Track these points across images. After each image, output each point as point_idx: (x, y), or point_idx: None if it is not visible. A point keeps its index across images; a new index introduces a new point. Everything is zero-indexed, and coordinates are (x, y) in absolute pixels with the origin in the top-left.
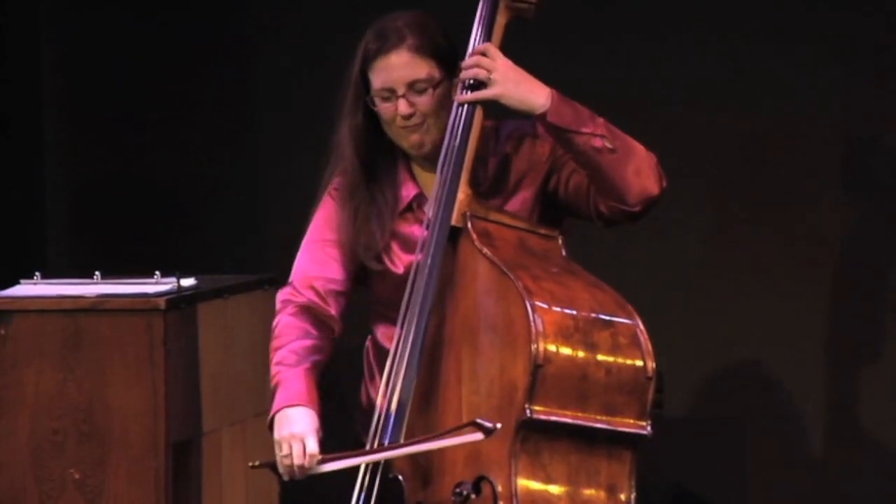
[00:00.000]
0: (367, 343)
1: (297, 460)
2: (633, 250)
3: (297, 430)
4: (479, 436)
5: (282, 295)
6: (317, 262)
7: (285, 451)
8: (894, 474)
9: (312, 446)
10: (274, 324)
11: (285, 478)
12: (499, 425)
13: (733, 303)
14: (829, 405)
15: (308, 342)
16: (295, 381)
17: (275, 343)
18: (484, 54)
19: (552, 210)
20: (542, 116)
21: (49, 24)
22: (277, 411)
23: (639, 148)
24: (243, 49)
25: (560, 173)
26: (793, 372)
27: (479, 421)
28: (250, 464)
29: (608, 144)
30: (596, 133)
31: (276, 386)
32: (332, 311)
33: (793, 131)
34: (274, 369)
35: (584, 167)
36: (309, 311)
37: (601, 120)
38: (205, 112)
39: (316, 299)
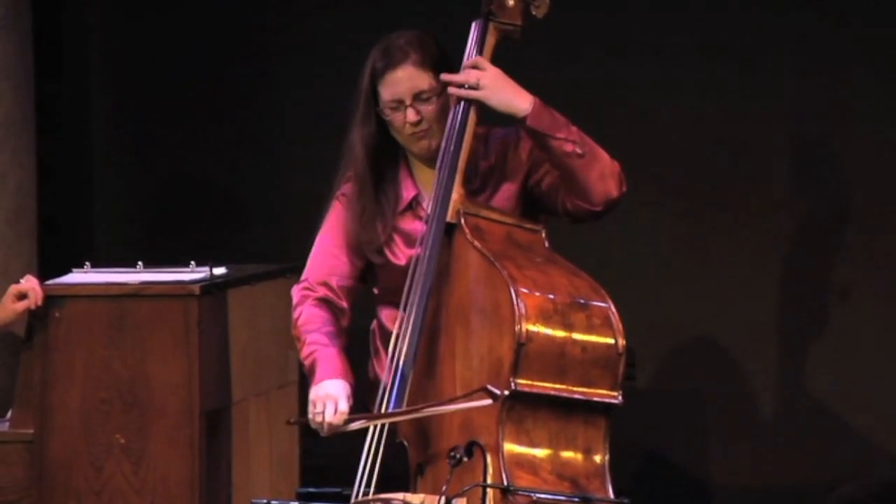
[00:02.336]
0: (373, 325)
1: (328, 418)
2: (610, 243)
3: (332, 392)
4: (487, 401)
5: (298, 291)
6: (329, 262)
7: (319, 408)
8: (836, 437)
9: (343, 406)
10: (296, 315)
11: (319, 433)
12: (506, 392)
13: (696, 289)
14: (779, 378)
15: (333, 328)
16: (331, 358)
17: (303, 328)
18: (476, 66)
19: (531, 207)
20: (523, 120)
21: (98, 34)
22: (318, 383)
23: (604, 156)
24: (271, 63)
25: (537, 172)
26: (747, 349)
27: (489, 387)
28: (288, 420)
29: (578, 150)
30: (569, 139)
31: (314, 362)
32: (345, 304)
33: (750, 136)
34: (309, 348)
35: (557, 168)
36: (326, 304)
37: (574, 128)
38: (235, 121)
39: (330, 294)
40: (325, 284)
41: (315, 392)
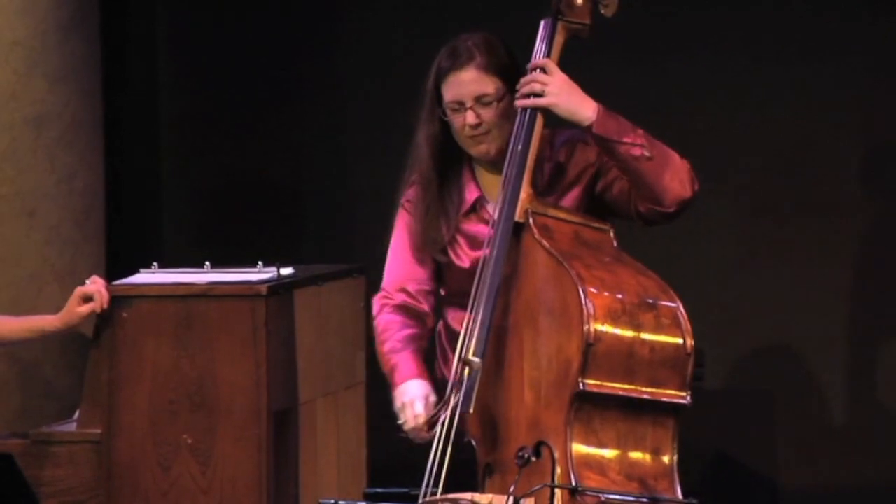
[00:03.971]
0: (439, 327)
1: (410, 423)
2: (679, 243)
3: (407, 398)
4: None
5: (377, 300)
6: (404, 268)
7: (402, 418)
8: None
9: (418, 408)
10: (375, 324)
11: (416, 441)
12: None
13: (766, 289)
14: (848, 378)
15: (408, 331)
16: (406, 361)
17: (381, 338)
18: (543, 69)
19: (597, 210)
20: (589, 127)
21: (165, 34)
22: (396, 389)
23: (674, 156)
24: (337, 62)
25: (605, 178)
26: (817, 349)
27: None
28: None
29: (646, 153)
30: (636, 143)
31: (392, 369)
32: (425, 307)
33: (819, 135)
34: (386, 357)
35: (626, 173)
36: (404, 309)
37: (641, 131)
38: (302, 121)
39: (409, 300)
40: (403, 290)
41: (396, 402)
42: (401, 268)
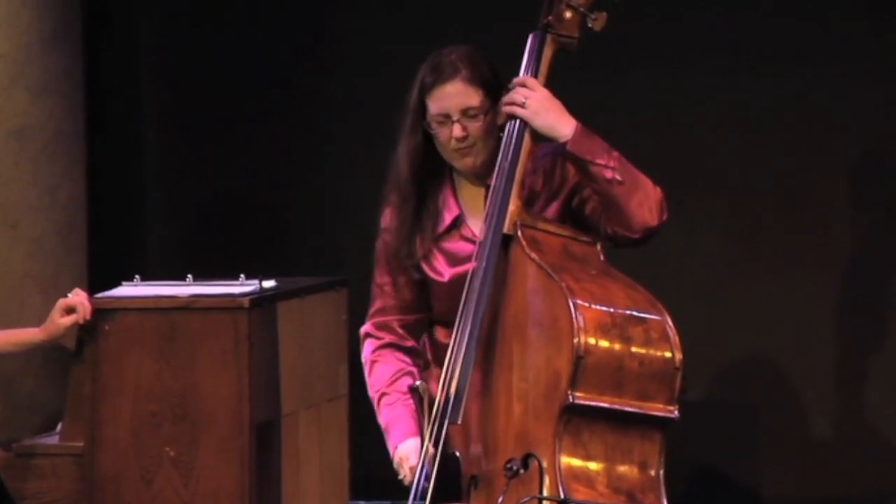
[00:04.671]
0: (423, 338)
1: (409, 477)
2: (663, 255)
3: (403, 453)
4: None
5: (365, 340)
6: (387, 303)
7: (401, 473)
8: (890, 451)
9: (412, 461)
10: (366, 374)
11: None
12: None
13: (748, 299)
14: (834, 390)
15: (401, 377)
16: (398, 419)
17: (372, 390)
18: (524, 85)
19: (577, 223)
20: (563, 145)
21: (148, 47)
22: (393, 450)
23: (647, 183)
24: (320, 76)
25: (581, 194)
26: (802, 359)
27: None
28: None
29: (618, 177)
30: (608, 165)
31: (387, 427)
32: (411, 342)
33: (805, 147)
34: (380, 411)
35: (597, 194)
36: (392, 347)
37: (616, 153)
38: (285, 134)
39: (395, 339)
40: (386, 327)
41: (394, 459)
42: (382, 302)
